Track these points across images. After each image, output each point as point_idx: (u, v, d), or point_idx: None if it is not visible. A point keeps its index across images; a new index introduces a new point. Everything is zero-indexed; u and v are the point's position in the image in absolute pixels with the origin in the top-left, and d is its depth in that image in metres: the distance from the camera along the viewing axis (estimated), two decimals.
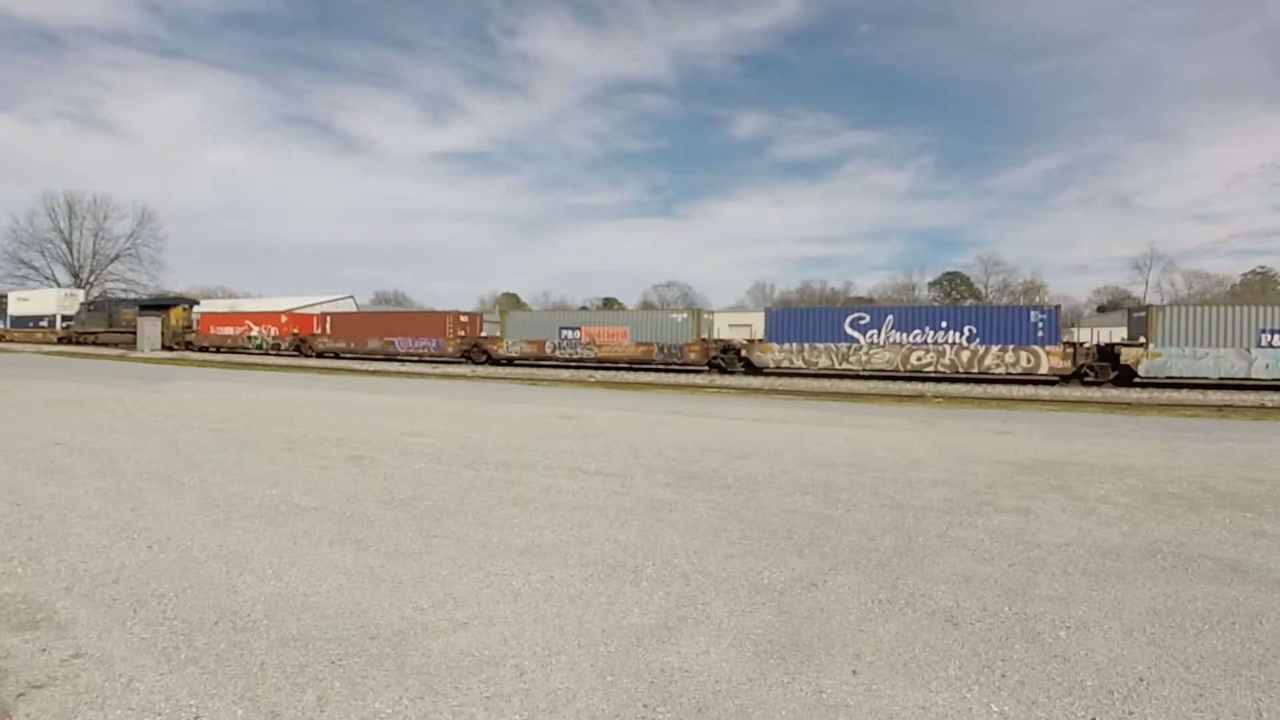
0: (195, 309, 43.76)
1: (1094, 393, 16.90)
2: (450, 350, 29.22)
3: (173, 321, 39.88)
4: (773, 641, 2.87)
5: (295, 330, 34.89)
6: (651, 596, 3.36)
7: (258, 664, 2.61)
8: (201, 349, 38.10)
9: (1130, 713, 2.34)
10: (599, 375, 22.96)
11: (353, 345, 32.35)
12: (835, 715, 2.31)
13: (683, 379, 21.16)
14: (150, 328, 38.87)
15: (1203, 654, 2.79)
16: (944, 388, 18.44)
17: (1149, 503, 5.37)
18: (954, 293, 74.64)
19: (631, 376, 22.51)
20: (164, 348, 38.15)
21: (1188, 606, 3.30)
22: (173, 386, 15.31)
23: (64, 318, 46.68)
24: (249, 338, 36.40)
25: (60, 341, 45.84)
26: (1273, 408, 14.22)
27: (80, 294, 52.41)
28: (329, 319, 34.18)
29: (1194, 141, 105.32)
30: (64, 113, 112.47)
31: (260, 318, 37.43)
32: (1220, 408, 14.27)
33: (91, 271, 67.35)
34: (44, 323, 48.95)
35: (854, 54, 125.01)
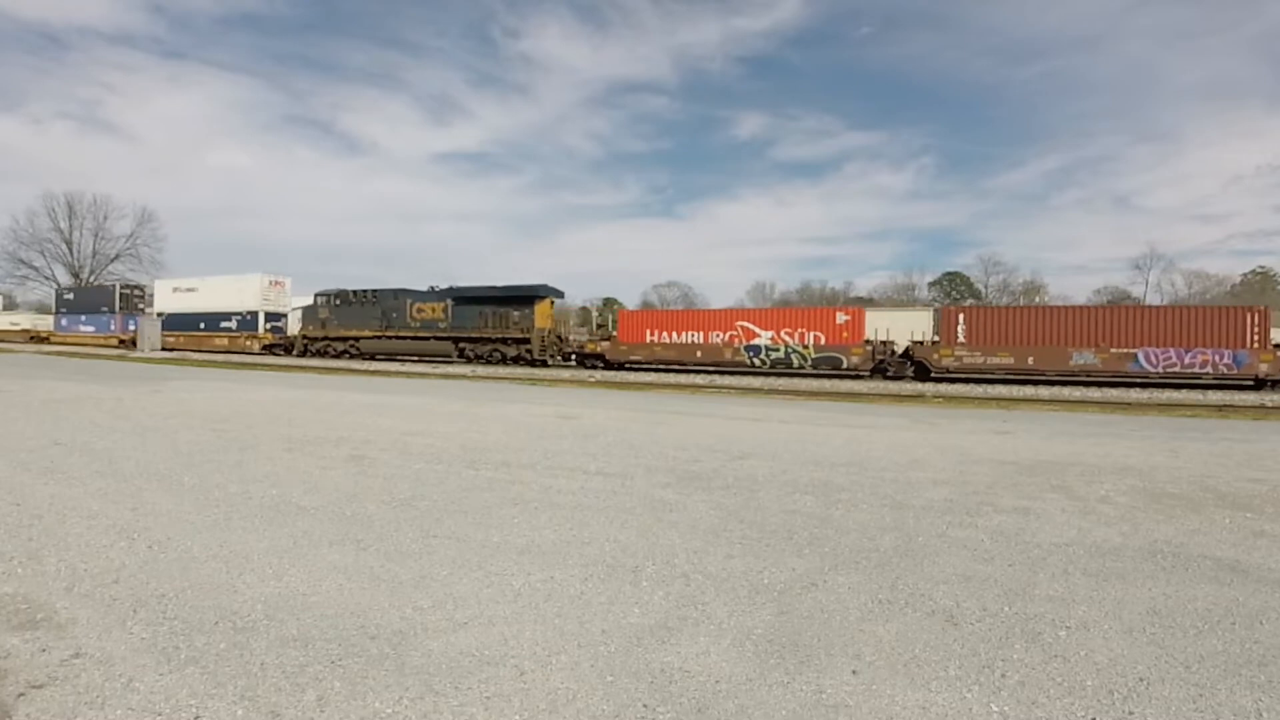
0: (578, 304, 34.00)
1: (1094, 393, 16.89)
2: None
3: (537, 320, 27.06)
4: (773, 641, 2.87)
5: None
6: (651, 596, 3.36)
7: (258, 664, 2.61)
8: (618, 365, 25.56)
9: (1130, 713, 2.34)
10: (599, 375, 22.96)
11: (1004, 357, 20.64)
12: (835, 715, 2.31)
13: (683, 379, 21.15)
14: (150, 328, 38.81)
15: (1203, 654, 2.79)
16: (944, 388, 18.44)
17: (1149, 503, 5.36)
18: (954, 293, 74.61)
19: (632, 377, 22.50)
20: (533, 361, 26.44)
21: (1188, 606, 3.29)
22: (172, 386, 15.31)
23: (270, 316, 35.08)
24: (753, 349, 23.45)
25: (269, 351, 33.76)
26: (1273, 408, 14.22)
27: (286, 281, 37.15)
28: (963, 314, 21.65)
29: (1193, 143, 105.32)
30: (66, 113, 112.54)
31: (756, 317, 24.67)
32: (1220, 408, 14.27)
33: (91, 271, 67.30)
34: (232, 323, 35.91)
35: (854, 55, 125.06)
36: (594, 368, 25.98)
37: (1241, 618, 3.17)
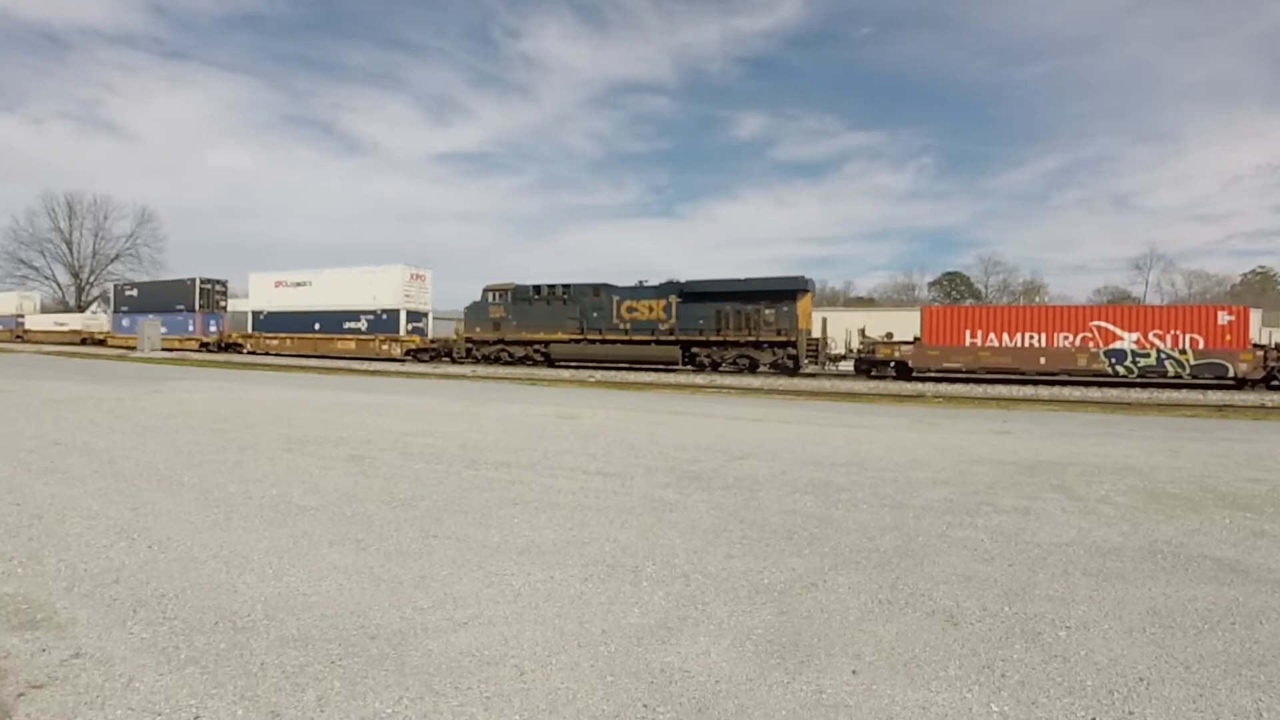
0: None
1: (1094, 393, 16.89)
2: None
3: (800, 319, 22.61)
4: (773, 641, 2.87)
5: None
6: (651, 596, 3.36)
7: (258, 664, 2.60)
8: (922, 375, 21.22)
9: (1130, 713, 2.34)
10: (599, 375, 22.95)
11: None
12: (835, 715, 2.31)
13: (683, 378, 21.15)
14: (151, 329, 38.79)
15: (1203, 654, 2.79)
16: (943, 387, 18.44)
17: (1149, 503, 5.36)
18: (953, 293, 74.61)
19: (632, 376, 22.49)
20: (794, 369, 22.52)
21: (1188, 606, 3.29)
22: (172, 386, 15.31)
23: (412, 315, 29.99)
24: (1116, 354, 19.43)
25: (413, 357, 29.23)
26: (1273, 408, 14.22)
27: (428, 274, 31.63)
28: None
29: (1192, 143, 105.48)
30: (67, 114, 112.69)
31: (1115, 315, 20.47)
32: (1220, 408, 14.27)
33: (91, 271, 67.38)
34: (361, 323, 30.63)
35: (854, 56, 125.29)
36: (881, 377, 21.56)
37: (1241, 618, 3.16)
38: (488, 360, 27.42)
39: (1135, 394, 16.67)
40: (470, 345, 27.97)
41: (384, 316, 30.54)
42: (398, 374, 23.17)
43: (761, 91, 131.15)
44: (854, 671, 2.61)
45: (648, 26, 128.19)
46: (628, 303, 25.24)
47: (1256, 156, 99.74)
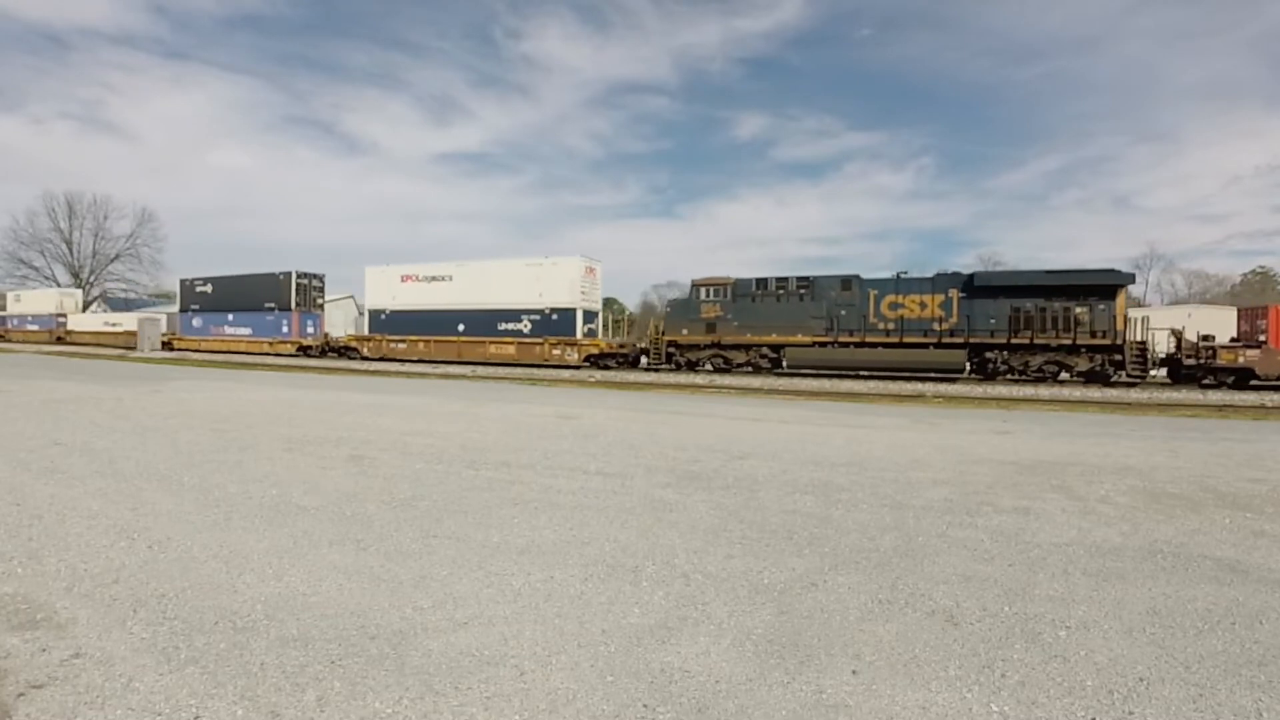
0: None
1: (1094, 392, 16.88)
2: None
3: (1118, 320, 18.93)
4: (773, 641, 2.87)
5: None
6: (651, 596, 3.36)
7: (258, 664, 2.60)
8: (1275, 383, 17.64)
9: (1130, 713, 2.34)
10: (599, 375, 22.95)
11: None
12: (835, 715, 2.31)
13: (683, 378, 21.14)
14: (150, 328, 38.74)
15: (1203, 654, 2.79)
16: (943, 387, 18.42)
17: (1149, 503, 5.36)
18: None
19: (632, 377, 22.49)
20: (1123, 379, 18.90)
21: (1188, 606, 3.29)
22: (172, 386, 15.31)
23: (586, 314, 26.07)
24: None
25: (595, 364, 24.95)
26: (1273, 408, 14.21)
27: (599, 266, 27.32)
28: None
29: (1192, 143, 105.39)
30: (68, 114, 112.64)
31: None
32: (1220, 408, 14.26)
33: (91, 271, 67.33)
34: (523, 324, 26.30)
35: (855, 56, 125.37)
36: (1215, 386, 18.24)
37: (1241, 618, 3.16)
38: (690, 366, 23.35)
39: (1135, 394, 16.66)
40: (673, 349, 23.63)
41: (554, 316, 25.93)
42: (397, 374, 23.17)
43: (762, 92, 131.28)
44: (854, 671, 2.61)
45: (648, 27, 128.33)
46: (890, 297, 20.97)
47: (1256, 157, 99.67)
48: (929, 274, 21.23)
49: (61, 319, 49.09)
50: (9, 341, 50.33)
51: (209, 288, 37.09)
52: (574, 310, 25.79)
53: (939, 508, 5.15)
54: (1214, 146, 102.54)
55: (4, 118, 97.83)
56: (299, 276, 33.44)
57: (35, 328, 50.66)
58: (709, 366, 23.30)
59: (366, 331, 30.24)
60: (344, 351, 31.26)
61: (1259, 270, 66.80)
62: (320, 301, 34.60)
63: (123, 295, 66.68)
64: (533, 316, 26.46)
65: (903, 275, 21.43)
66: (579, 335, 25.71)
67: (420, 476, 6.04)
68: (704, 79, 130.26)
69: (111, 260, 68.00)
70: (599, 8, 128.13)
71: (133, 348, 38.50)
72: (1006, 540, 4.35)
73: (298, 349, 32.29)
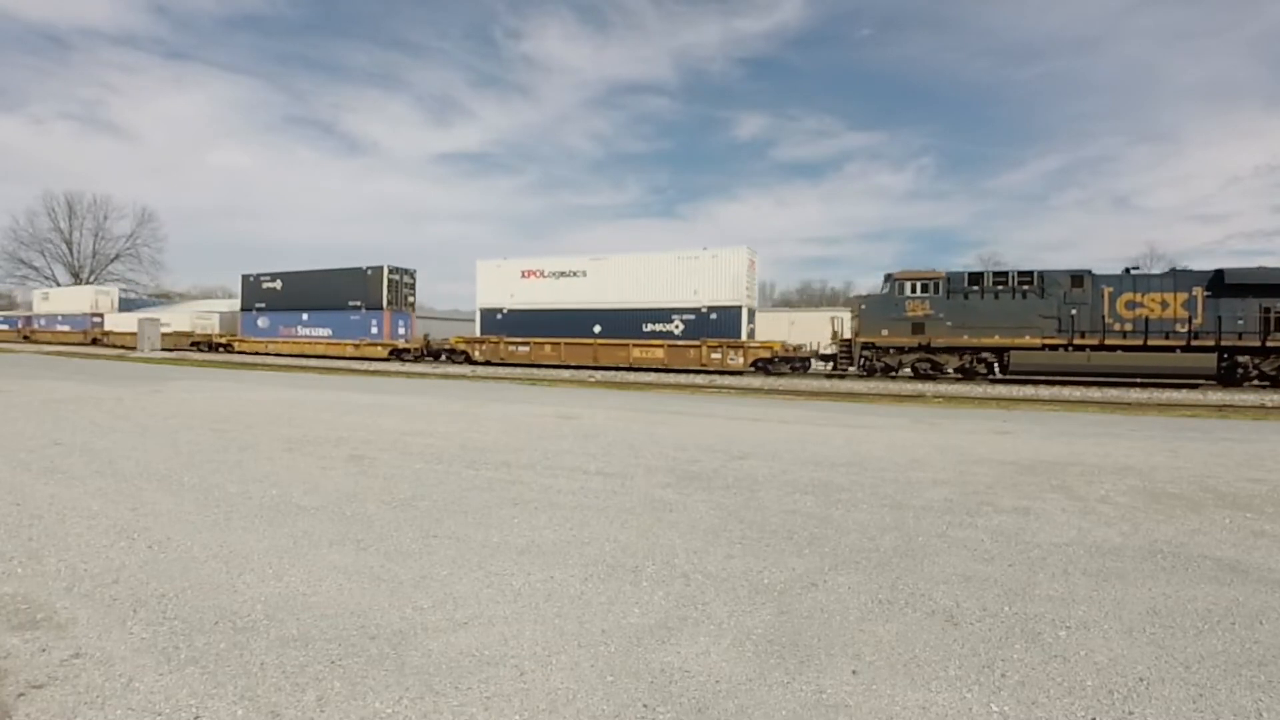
0: None
1: (1094, 393, 16.88)
2: None
3: None
4: (773, 641, 2.87)
5: None
6: (651, 596, 3.36)
7: (258, 664, 2.60)
8: None
9: (1130, 713, 2.34)
10: (599, 375, 22.93)
11: None
12: (835, 715, 2.31)
13: (683, 379, 21.13)
14: (150, 327, 38.66)
15: (1203, 654, 2.79)
16: (943, 387, 18.42)
17: (1149, 503, 5.36)
18: None
19: (632, 377, 22.47)
20: None
21: (1188, 606, 3.29)
22: (173, 386, 15.31)
23: (749, 313, 23.29)
24: None
25: (762, 370, 22.26)
26: (1273, 408, 14.21)
27: (756, 258, 24.10)
28: None
29: (1192, 143, 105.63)
30: (68, 114, 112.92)
31: None
32: (1220, 408, 14.26)
33: (91, 271, 67.36)
34: (673, 324, 23.52)
35: (855, 57, 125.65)
36: None
37: (1241, 618, 3.16)
38: (887, 372, 20.59)
39: (1135, 394, 16.65)
40: (869, 352, 20.75)
41: (713, 316, 23.12)
42: (398, 374, 23.16)
43: (762, 92, 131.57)
44: (854, 671, 2.61)
45: (648, 27, 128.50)
46: (1127, 295, 18.60)
47: (1256, 157, 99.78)
48: (1161, 270, 19.68)
49: (97, 319, 45.82)
50: (37, 343, 47.08)
51: (278, 284, 33.70)
52: (738, 309, 22.59)
53: (939, 508, 5.15)
54: (1214, 146, 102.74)
55: (4, 118, 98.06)
56: (390, 272, 30.28)
57: (67, 328, 47.44)
58: (908, 372, 20.63)
59: (479, 332, 27.30)
60: (449, 355, 28.48)
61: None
62: (411, 300, 31.64)
63: (123, 295, 66.70)
64: (686, 316, 23.52)
65: (1129, 270, 19.68)
66: (744, 336, 22.64)
67: (420, 476, 6.04)
68: (704, 79, 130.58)
69: (111, 260, 68.08)
70: (599, 8, 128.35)
71: (176, 348, 36.60)
72: (1006, 540, 4.35)
73: (390, 353, 29.17)
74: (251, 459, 6.74)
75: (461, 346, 28.07)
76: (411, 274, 31.54)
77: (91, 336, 45.15)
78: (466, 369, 25.50)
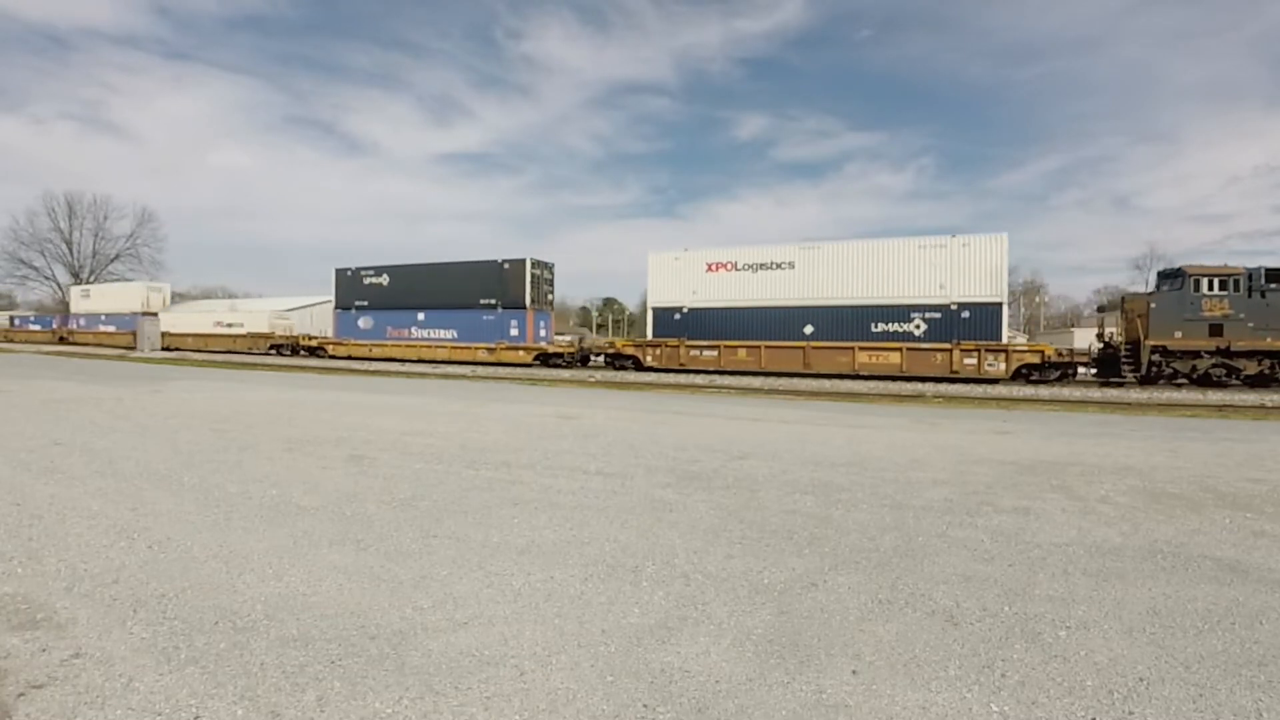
0: None
1: (1094, 392, 16.87)
2: None
3: None
4: (773, 641, 2.87)
5: None
6: (651, 596, 3.36)
7: (258, 664, 2.60)
8: None
9: (1130, 713, 2.34)
10: (598, 375, 22.91)
11: None
12: (835, 715, 2.31)
13: (683, 379, 21.12)
14: (150, 327, 38.64)
15: (1203, 654, 2.79)
16: (944, 387, 18.41)
17: (1149, 503, 5.36)
18: None
19: (633, 377, 22.45)
20: None
21: (1188, 606, 3.29)
22: (173, 386, 15.31)
23: (990, 309, 19.63)
24: None
25: (1026, 378, 19.04)
26: (1273, 408, 14.21)
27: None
28: None
29: (1192, 143, 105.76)
30: (69, 114, 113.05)
31: None
32: (1220, 408, 14.26)
33: (91, 271, 67.34)
34: (913, 323, 20.30)
35: (855, 57, 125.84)
36: None
37: (1241, 618, 3.16)
38: (1169, 379, 18.00)
39: (1135, 394, 16.65)
40: (1159, 358, 18.05)
41: (963, 314, 19.59)
42: (398, 374, 23.15)
43: (762, 92, 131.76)
44: (854, 671, 2.61)
45: (649, 28, 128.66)
46: None
47: (1256, 157, 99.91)
48: None
49: (151, 318, 41.52)
50: (76, 344, 42.78)
51: (384, 279, 29.71)
52: (997, 306, 19.32)
53: (939, 508, 5.15)
54: (1214, 147, 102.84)
55: (5, 118, 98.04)
56: (533, 266, 26.52)
57: (112, 329, 42.51)
58: (1195, 376, 17.94)
59: (650, 334, 23.73)
60: (611, 360, 24.79)
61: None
62: (551, 298, 28.31)
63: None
64: (930, 314, 19.98)
65: None
66: (1005, 338, 19.65)
67: (420, 476, 6.04)
68: (704, 79, 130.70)
69: (111, 260, 68.03)
70: (599, 8, 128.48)
71: (251, 351, 33.33)
72: (1006, 540, 4.34)
73: (536, 358, 25.40)
74: (251, 459, 6.74)
75: (629, 350, 24.33)
76: (551, 268, 27.82)
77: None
78: (466, 369, 25.35)
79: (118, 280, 64.22)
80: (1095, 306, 23.34)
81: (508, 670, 2.59)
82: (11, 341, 49.88)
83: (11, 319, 57.15)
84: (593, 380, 21.08)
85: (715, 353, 22.59)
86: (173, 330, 38.88)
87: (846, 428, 9.93)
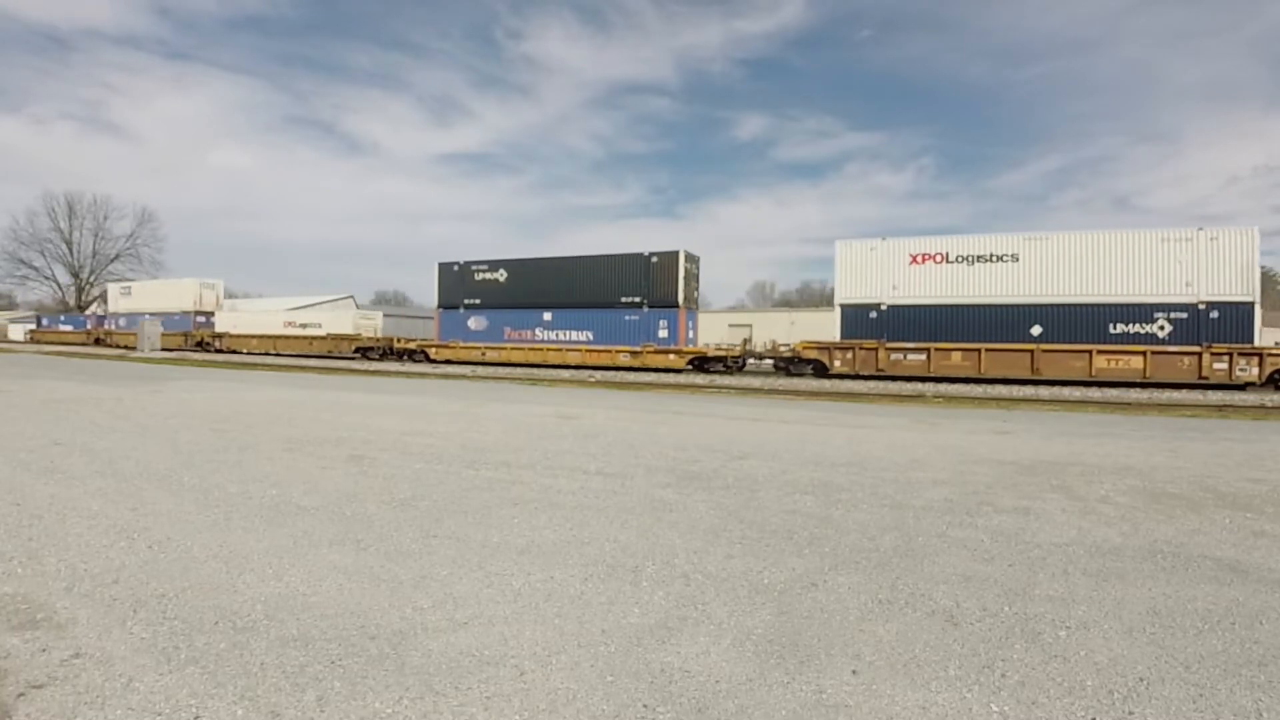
0: None
1: (1094, 393, 16.87)
2: None
3: None
4: (773, 641, 2.87)
5: None
6: (651, 596, 3.36)
7: (258, 664, 2.60)
8: None
9: (1130, 713, 2.34)
10: (598, 375, 22.91)
11: None
12: (835, 715, 2.31)
13: (682, 379, 21.11)
14: (151, 326, 38.56)
15: (1203, 654, 2.79)
16: (944, 387, 18.41)
17: (1149, 503, 5.36)
18: None
19: (632, 377, 22.44)
20: None
21: (1188, 606, 3.29)
22: (173, 387, 15.31)
23: (1243, 308, 17.60)
24: None
25: None
26: (1273, 408, 14.21)
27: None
28: None
29: (1192, 143, 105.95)
30: (70, 114, 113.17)
31: None
32: (1220, 408, 14.26)
33: (91, 271, 67.34)
34: (1155, 324, 18.26)
35: (855, 57, 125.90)
36: None
37: (1241, 618, 3.16)
38: None
39: (1135, 394, 16.65)
40: None
41: (1211, 314, 17.90)
42: (397, 374, 23.16)
43: (762, 92, 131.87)
44: (854, 671, 2.61)
45: (649, 28, 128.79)
46: None
47: (1255, 157, 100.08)
48: None
49: (204, 318, 38.11)
50: (113, 346, 39.95)
51: (500, 275, 26.89)
52: (1249, 306, 17.57)
53: (939, 508, 5.15)
54: (1214, 147, 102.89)
55: (6, 118, 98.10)
56: (685, 259, 23.83)
57: (161, 330, 39.89)
58: None
59: (839, 335, 21.20)
60: (784, 366, 22.16)
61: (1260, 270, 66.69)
62: (697, 296, 25.90)
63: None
64: (1176, 314, 18.09)
65: None
66: (1257, 340, 17.69)
67: (420, 476, 6.04)
68: (705, 80, 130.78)
69: (111, 260, 67.97)
70: (600, 8, 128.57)
71: (332, 354, 30.76)
72: (1006, 540, 4.34)
73: (691, 362, 22.74)
74: (251, 459, 6.74)
75: (811, 354, 21.57)
76: (698, 262, 24.81)
77: (197, 339, 37.24)
78: (466, 369, 25.31)
79: (117, 280, 64.13)
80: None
81: (508, 670, 2.59)
82: (40, 343, 47.70)
83: (38, 318, 55.16)
84: (592, 380, 21.08)
85: (923, 356, 20.12)
86: (234, 331, 35.74)
87: (846, 428, 9.93)
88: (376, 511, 4.86)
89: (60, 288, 67.58)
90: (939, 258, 20.30)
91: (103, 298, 52.65)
